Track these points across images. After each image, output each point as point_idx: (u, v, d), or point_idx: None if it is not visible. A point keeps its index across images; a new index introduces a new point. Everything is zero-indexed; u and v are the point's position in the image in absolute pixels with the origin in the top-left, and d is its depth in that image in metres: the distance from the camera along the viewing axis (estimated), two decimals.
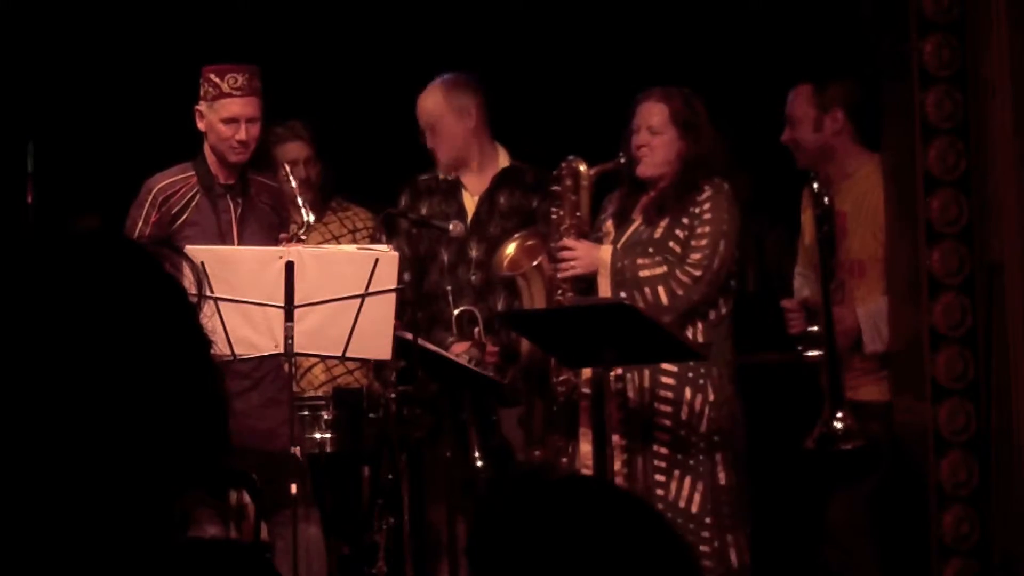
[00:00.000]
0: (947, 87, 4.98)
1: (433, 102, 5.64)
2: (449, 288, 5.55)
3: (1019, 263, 4.86)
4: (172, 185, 5.11)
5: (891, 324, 5.11)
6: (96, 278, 1.25)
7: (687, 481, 5.01)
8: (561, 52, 6.42)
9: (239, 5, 6.48)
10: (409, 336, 5.05)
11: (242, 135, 5.08)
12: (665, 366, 5.07)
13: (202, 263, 4.51)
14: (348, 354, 4.79)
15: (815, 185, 5.13)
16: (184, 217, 5.09)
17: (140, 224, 5.06)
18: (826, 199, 5.11)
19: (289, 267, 4.68)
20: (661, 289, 5.04)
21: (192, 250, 4.56)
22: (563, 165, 5.24)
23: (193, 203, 5.10)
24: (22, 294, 1.23)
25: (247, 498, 4.97)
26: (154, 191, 5.09)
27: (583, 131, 5.80)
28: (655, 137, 5.14)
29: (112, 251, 1.28)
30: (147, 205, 5.08)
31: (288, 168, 5.32)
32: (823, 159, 5.23)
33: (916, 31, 4.99)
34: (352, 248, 4.97)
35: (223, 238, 5.05)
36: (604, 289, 5.13)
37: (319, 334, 4.71)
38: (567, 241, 5.17)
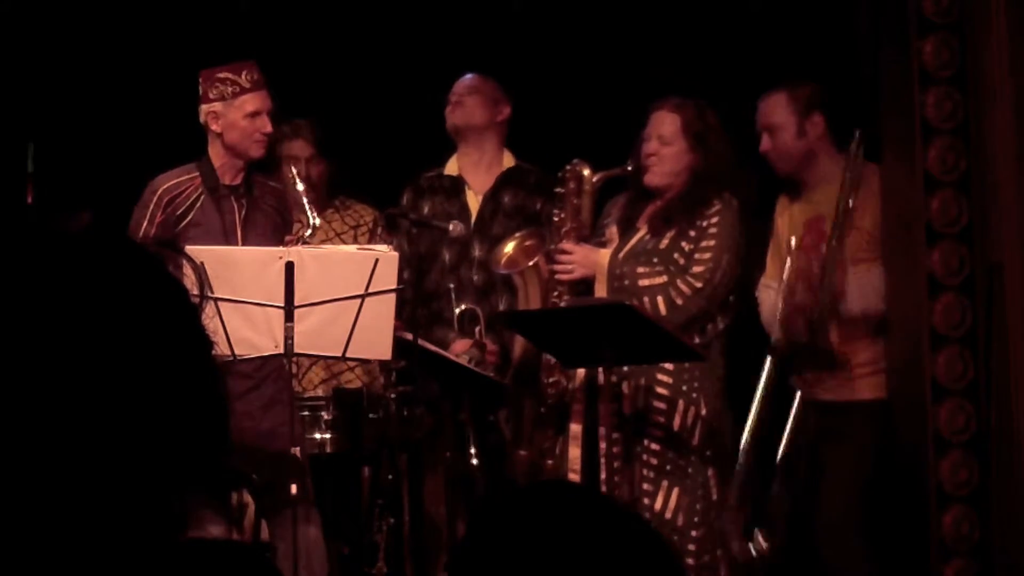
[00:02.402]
0: (947, 87, 4.98)
1: (481, 79, 5.83)
2: (452, 287, 5.56)
3: (1019, 263, 4.85)
4: (177, 186, 5.10)
5: (891, 323, 5.11)
6: (97, 278, 1.25)
7: (675, 492, 5.00)
8: (564, 54, 6.42)
9: (239, 5, 6.48)
10: (409, 336, 5.05)
11: (268, 127, 5.11)
12: (661, 376, 5.07)
13: (202, 263, 4.51)
14: (348, 354, 4.79)
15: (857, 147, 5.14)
16: (189, 218, 5.08)
17: (145, 225, 5.05)
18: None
19: (289, 267, 4.68)
20: (660, 298, 5.03)
21: (192, 250, 4.57)
22: (567, 168, 5.25)
23: (198, 204, 5.09)
24: (22, 294, 1.24)
25: (247, 498, 4.98)
26: (159, 192, 5.08)
27: (586, 135, 5.81)
28: (665, 147, 5.14)
29: (113, 251, 1.28)
30: (152, 206, 5.07)
31: (295, 171, 5.33)
32: (805, 165, 5.22)
33: (916, 31, 4.99)
34: (352, 248, 4.97)
35: (227, 239, 5.04)
36: (601, 294, 5.13)
37: (319, 334, 4.71)
38: (566, 245, 5.17)
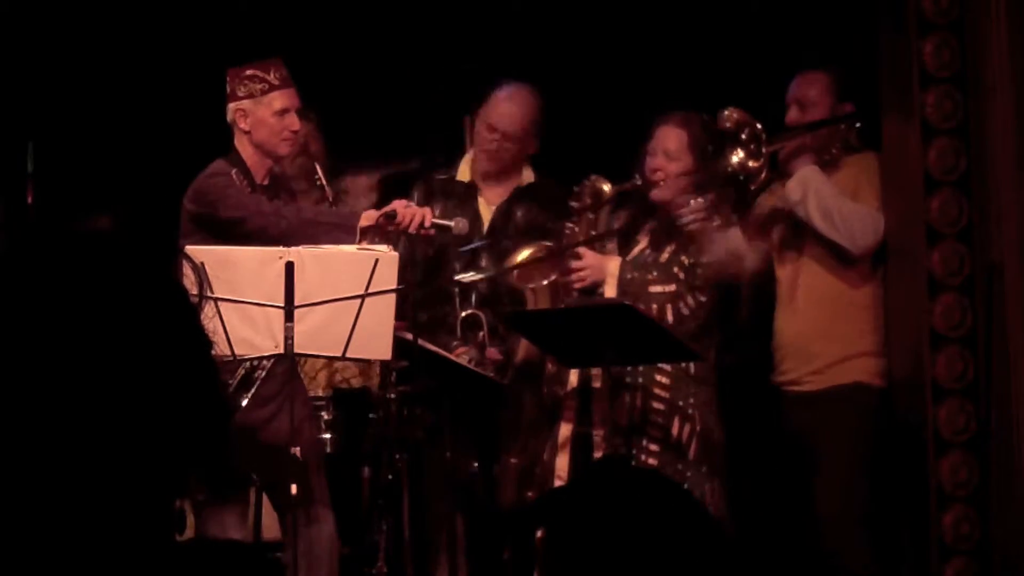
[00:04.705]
0: (947, 87, 4.98)
1: (524, 114, 5.58)
2: (456, 291, 5.54)
3: (1019, 263, 4.86)
4: (236, 176, 5.06)
5: (891, 323, 5.12)
6: (97, 279, 1.25)
7: None
8: (563, 53, 6.41)
9: (239, 4, 6.48)
10: (409, 336, 5.05)
11: (296, 125, 5.09)
12: (657, 391, 5.08)
13: (202, 263, 4.51)
14: (348, 354, 4.78)
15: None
16: None
17: (243, 197, 4.95)
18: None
19: (289, 267, 4.68)
20: (669, 307, 5.05)
21: (192, 250, 4.56)
22: (585, 183, 5.25)
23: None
24: (24, 295, 1.24)
25: (249, 498, 4.97)
26: (232, 173, 5.03)
27: (584, 138, 5.81)
28: (671, 162, 5.15)
29: (113, 252, 1.28)
30: (236, 183, 5.00)
31: (320, 172, 5.33)
32: (823, 147, 5.23)
33: (916, 31, 4.99)
34: (352, 248, 4.96)
35: None
36: (609, 297, 5.14)
37: (319, 334, 4.70)
38: (577, 250, 5.19)
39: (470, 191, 5.67)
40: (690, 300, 5.05)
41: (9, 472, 1.21)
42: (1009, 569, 4.86)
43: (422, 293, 5.61)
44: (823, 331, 5.15)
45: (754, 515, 5.26)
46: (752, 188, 5.09)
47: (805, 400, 5.17)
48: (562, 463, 5.09)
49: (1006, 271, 4.88)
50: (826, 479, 5.06)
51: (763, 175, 5.04)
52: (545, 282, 5.23)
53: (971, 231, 4.96)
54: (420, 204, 5.67)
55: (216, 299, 4.51)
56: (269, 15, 6.44)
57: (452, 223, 5.45)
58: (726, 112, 5.02)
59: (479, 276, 5.36)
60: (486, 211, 5.66)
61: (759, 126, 5.01)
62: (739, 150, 5.00)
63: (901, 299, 5.09)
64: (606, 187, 5.22)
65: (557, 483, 5.05)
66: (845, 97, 5.23)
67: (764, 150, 5.00)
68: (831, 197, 5.08)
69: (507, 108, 5.59)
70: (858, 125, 5.24)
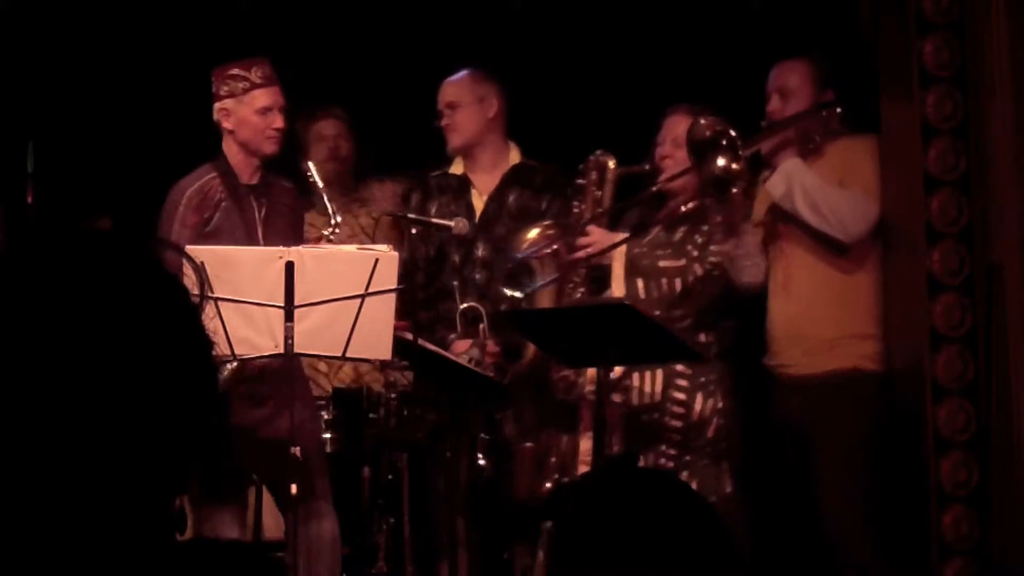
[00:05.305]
0: (947, 87, 4.98)
1: (458, 85, 5.73)
2: (455, 284, 5.57)
3: (1019, 263, 4.86)
4: (201, 189, 5.06)
5: (891, 323, 5.12)
6: (98, 279, 1.25)
7: (692, 485, 5.02)
8: (578, 48, 6.42)
9: (240, 5, 6.48)
10: (409, 336, 5.05)
11: (279, 123, 5.09)
12: (679, 367, 5.13)
13: (202, 263, 4.50)
14: (348, 354, 4.78)
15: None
16: (215, 221, 5.06)
17: (176, 228, 4.99)
18: None
19: (289, 267, 4.68)
20: (678, 281, 5.11)
21: (192, 250, 4.56)
22: (590, 159, 5.34)
23: (222, 205, 5.07)
24: (24, 294, 1.24)
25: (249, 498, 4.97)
26: (187, 194, 5.04)
27: (601, 129, 5.82)
28: (679, 150, 5.19)
29: (115, 252, 1.28)
30: (182, 208, 5.02)
31: (313, 169, 5.34)
32: (805, 137, 5.23)
33: (916, 31, 4.99)
34: (352, 248, 4.96)
35: (250, 240, 5.03)
36: (617, 274, 5.19)
37: (319, 334, 4.70)
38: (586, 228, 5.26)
39: (463, 184, 5.73)
40: (698, 269, 5.11)
41: (9, 472, 1.21)
42: (1009, 569, 4.86)
43: (424, 293, 5.63)
44: (816, 313, 5.13)
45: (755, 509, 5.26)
46: (735, 191, 5.09)
47: (797, 384, 5.13)
48: (586, 447, 5.13)
49: (1006, 271, 4.88)
50: (825, 468, 5.04)
51: (745, 177, 5.06)
52: (550, 248, 5.30)
53: (971, 231, 4.96)
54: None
55: (216, 299, 4.51)
56: (269, 16, 6.45)
57: (452, 223, 5.47)
58: (703, 122, 5.02)
59: (533, 288, 5.38)
60: (479, 201, 5.72)
61: (733, 132, 5.01)
62: (720, 156, 5.01)
63: (901, 299, 5.09)
64: (611, 163, 5.30)
65: (582, 468, 5.10)
66: (827, 84, 5.22)
67: (742, 153, 5.01)
68: (817, 189, 5.07)
69: (442, 88, 5.76)
70: (839, 110, 5.22)
